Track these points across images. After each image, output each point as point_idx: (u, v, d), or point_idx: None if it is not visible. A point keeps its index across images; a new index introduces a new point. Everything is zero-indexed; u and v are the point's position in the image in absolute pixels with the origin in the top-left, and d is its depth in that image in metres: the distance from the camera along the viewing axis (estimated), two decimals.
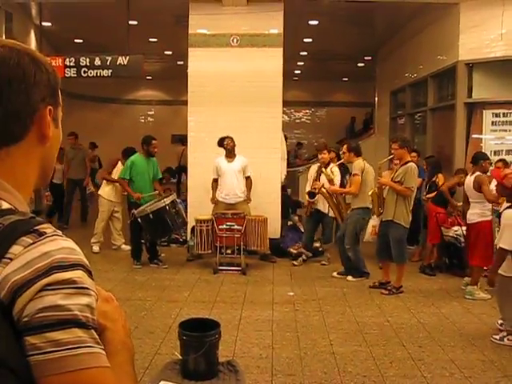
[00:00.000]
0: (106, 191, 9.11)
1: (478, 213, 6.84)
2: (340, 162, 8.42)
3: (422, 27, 10.85)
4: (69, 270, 0.83)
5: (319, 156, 8.44)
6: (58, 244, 0.85)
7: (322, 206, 8.31)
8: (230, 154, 8.33)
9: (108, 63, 9.38)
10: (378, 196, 7.13)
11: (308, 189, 8.48)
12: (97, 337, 0.84)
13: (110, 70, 9.41)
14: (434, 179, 8.50)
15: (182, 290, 7.02)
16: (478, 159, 7.10)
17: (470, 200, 6.96)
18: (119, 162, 9.04)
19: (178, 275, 7.79)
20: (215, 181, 8.42)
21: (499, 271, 5.22)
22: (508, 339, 5.22)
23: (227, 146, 8.29)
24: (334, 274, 7.83)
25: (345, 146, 8.01)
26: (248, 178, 8.40)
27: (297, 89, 19.51)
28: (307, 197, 8.34)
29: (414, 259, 8.53)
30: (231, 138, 8.30)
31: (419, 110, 11.85)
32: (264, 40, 9.22)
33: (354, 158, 7.73)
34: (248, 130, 9.00)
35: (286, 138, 12.48)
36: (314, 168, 8.60)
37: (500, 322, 5.47)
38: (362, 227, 7.78)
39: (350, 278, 7.63)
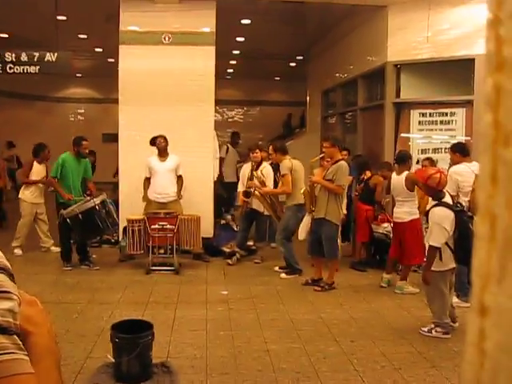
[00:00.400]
0: (26, 194, 8.75)
1: (407, 211, 6.85)
2: (269, 162, 8.49)
3: (352, 28, 11.07)
4: None
5: (251, 155, 8.47)
6: None
7: (257, 205, 8.35)
8: (163, 153, 8.24)
9: (35, 59, 9.05)
10: (310, 194, 7.22)
11: (240, 187, 8.53)
12: (19, 342, 0.81)
13: (38, 67, 9.09)
14: (362, 176, 8.59)
15: (115, 291, 6.90)
16: (405, 158, 7.17)
17: (398, 199, 6.98)
18: (35, 162, 8.78)
19: (109, 276, 7.65)
20: (147, 179, 8.30)
21: None
22: (436, 331, 5.41)
23: (159, 145, 8.20)
24: (276, 268, 7.98)
25: (271, 147, 8.13)
26: (180, 177, 8.34)
27: (230, 88, 19.51)
28: (242, 196, 8.37)
29: (345, 255, 8.67)
30: (163, 137, 8.21)
31: (350, 110, 12.07)
32: (196, 38, 9.15)
33: (282, 157, 7.83)
34: (180, 128, 8.90)
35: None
36: (247, 167, 8.63)
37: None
38: (295, 223, 7.85)
39: (283, 275, 7.71)
